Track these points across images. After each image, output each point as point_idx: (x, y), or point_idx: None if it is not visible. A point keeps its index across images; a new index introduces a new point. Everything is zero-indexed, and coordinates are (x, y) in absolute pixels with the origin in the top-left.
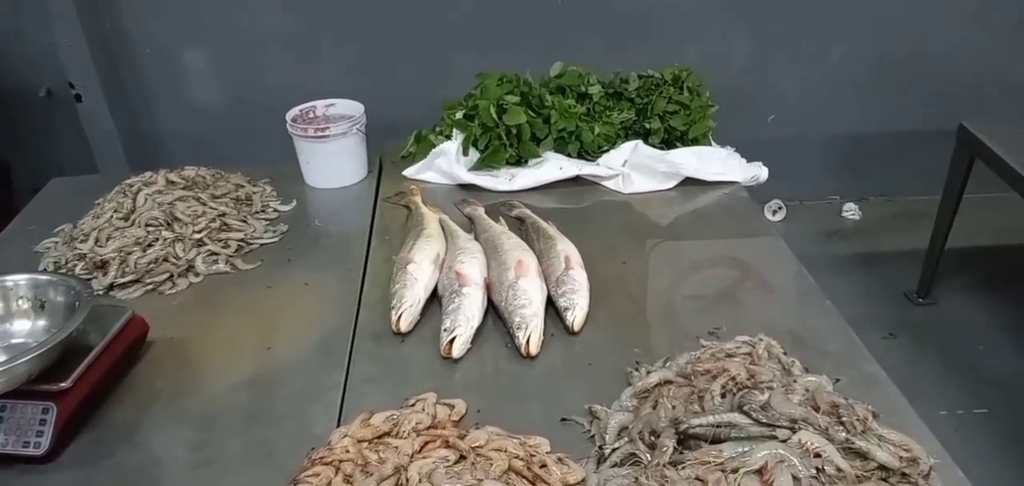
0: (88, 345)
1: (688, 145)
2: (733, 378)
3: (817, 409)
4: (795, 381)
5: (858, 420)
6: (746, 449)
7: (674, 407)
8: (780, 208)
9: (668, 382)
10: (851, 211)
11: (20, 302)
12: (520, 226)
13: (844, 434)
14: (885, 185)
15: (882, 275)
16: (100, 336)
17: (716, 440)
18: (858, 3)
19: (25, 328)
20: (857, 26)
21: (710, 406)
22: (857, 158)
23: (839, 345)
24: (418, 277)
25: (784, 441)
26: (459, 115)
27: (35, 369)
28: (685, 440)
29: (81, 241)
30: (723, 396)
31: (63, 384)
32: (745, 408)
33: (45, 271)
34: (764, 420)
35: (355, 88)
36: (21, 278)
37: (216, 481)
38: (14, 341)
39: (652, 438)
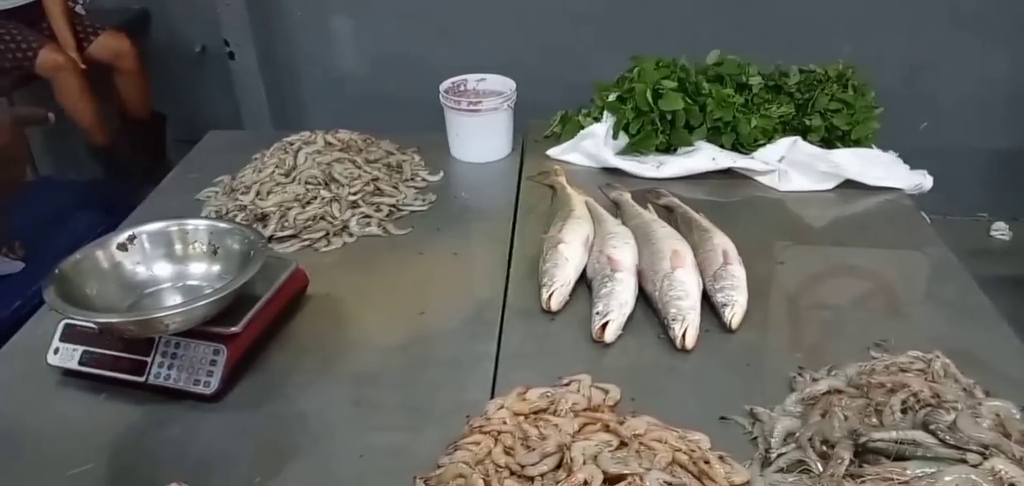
0: (255, 293)
1: (849, 146)
2: (915, 394)
3: (1008, 436)
4: (980, 404)
5: None
6: (933, 470)
7: (847, 418)
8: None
9: (838, 391)
10: (1000, 231)
11: (196, 246)
12: (668, 215)
13: None
14: None
15: None
16: (266, 285)
17: (899, 457)
18: None
19: (200, 271)
20: (1017, 31)
21: (890, 421)
22: (1011, 175)
23: (1021, 372)
24: (569, 257)
25: (975, 466)
26: (612, 97)
27: (211, 312)
28: (861, 454)
29: (242, 193)
30: (904, 412)
31: (234, 328)
32: (931, 427)
33: (222, 219)
34: (952, 442)
35: (490, 65)
36: (201, 223)
37: (374, 437)
38: (190, 283)
39: (824, 448)
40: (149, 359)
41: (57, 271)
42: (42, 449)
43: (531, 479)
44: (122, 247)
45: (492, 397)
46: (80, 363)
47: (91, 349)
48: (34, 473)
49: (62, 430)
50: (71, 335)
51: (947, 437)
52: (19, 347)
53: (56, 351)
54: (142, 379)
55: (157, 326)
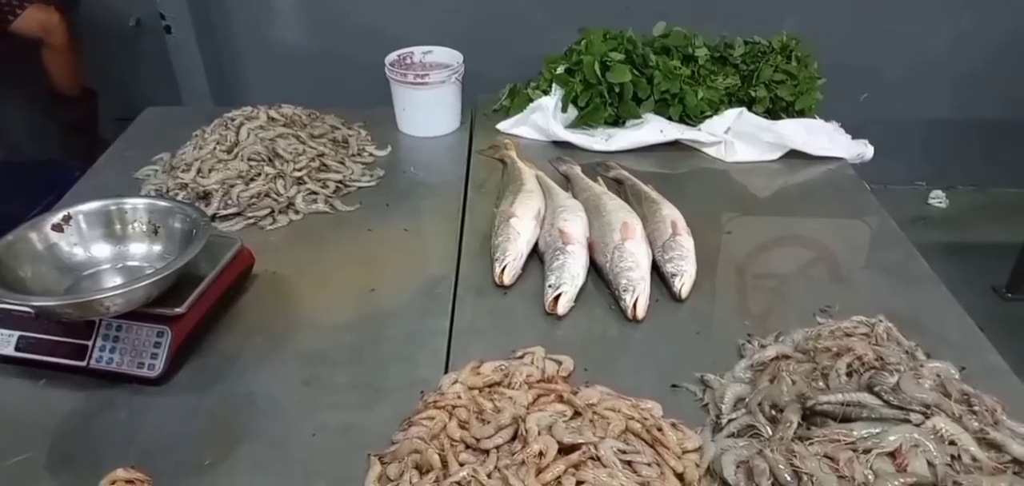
0: (199, 274)
1: (793, 117)
2: (859, 357)
3: (948, 396)
4: (921, 366)
5: (987, 411)
6: (878, 430)
7: (795, 382)
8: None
9: (786, 357)
10: (938, 199)
11: (136, 225)
12: (618, 187)
13: (977, 423)
14: (975, 175)
15: (969, 267)
16: (210, 265)
17: (845, 419)
18: None
19: (141, 251)
20: (959, 7)
21: (836, 384)
22: (947, 145)
23: (959, 333)
24: (521, 231)
25: (918, 425)
26: (560, 70)
27: (153, 293)
28: (809, 417)
29: (183, 170)
30: (849, 375)
31: (178, 309)
32: (875, 389)
33: (162, 197)
34: (895, 402)
35: (437, 37)
36: (140, 202)
37: (326, 415)
38: (130, 264)
39: (774, 412)
40: (90, 343)
41: None
42: None
43: (486, 452)
44: (57, 228)
45: (446, 372)
46: (16, 349)
47: (28, 334)
48: None
49: None
50: (6, 320)
51: (891, 398)
52: None
53: None
54: (83, 364)
55: (97, 308)
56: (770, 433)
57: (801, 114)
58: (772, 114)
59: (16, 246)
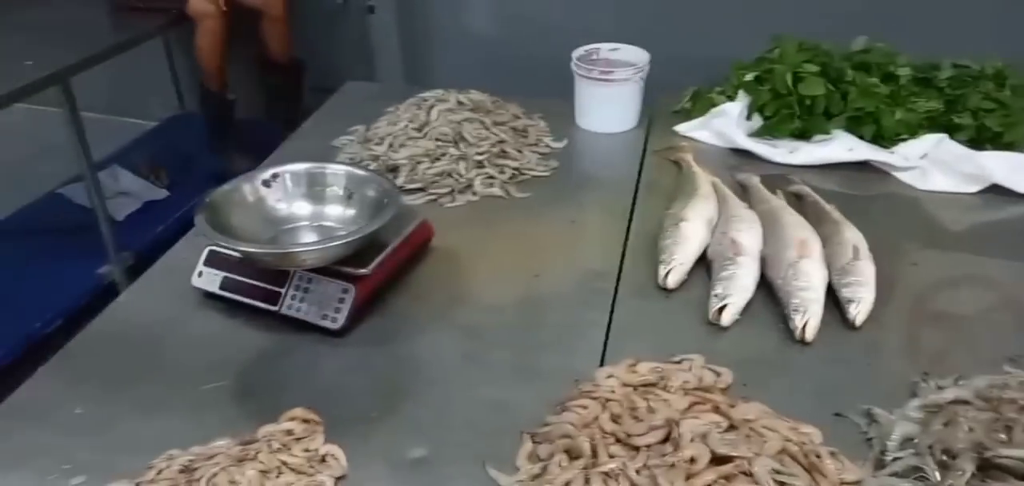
0: (384, 239)
1: (999, 149)
2: None
3: None
4: None
5: None
6: None
7: (973, 430)
8: None
9: (964, 402)
10: None
11: (334, 189)
12: (798, 203)
13: None
14: None
15: None
16: (394, 233)
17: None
18: None
19: (335, 213)
20: None
21: (1020, 439)
22: None
23: None
24: (690, 236)
25: None
26: (749, 77)
27: (345, 253)
28: (985, 468)
29: (376, 143)
30: None
31: (363, 270)
32: None
33: (358, 166)
34: None
35: (623, 35)
36: (340, 168)
37: (483, 389)
38: (324, 223)
39: (945, 457)
40: (283, 291)
41: (208, 200)
42: (181, 363)
43: (637, 449)
44: (266, 183)
45: (601, 365)
46: (221, 288)
47: (231, 275)
48: (172, 385)
49: (200, 348)
50: (215, 261)
51: None
52: (166, 268)
53: (200, 274)
54: (275, 309)
55: (294, 260)
56: (939, 479)
57: (1009, 147)
58: (976, 144)
59: (230, 195)
